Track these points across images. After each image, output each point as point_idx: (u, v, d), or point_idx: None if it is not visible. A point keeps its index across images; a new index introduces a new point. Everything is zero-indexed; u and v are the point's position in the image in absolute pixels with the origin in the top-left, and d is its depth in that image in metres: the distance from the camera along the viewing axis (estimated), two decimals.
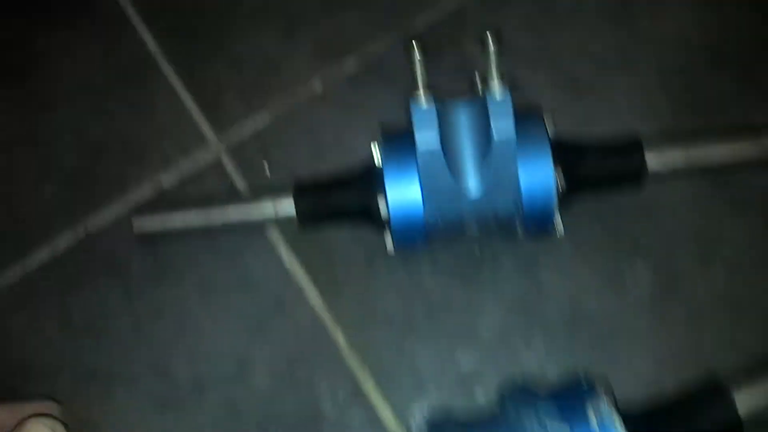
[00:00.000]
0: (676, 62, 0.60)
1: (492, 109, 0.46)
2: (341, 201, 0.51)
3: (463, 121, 0.48)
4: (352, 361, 0.51)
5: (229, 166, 0.59)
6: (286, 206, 0.51)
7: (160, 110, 0.61)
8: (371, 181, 0.49)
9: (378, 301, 0.53)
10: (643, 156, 0.50)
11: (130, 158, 0.59)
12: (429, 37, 0.62)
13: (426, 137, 0.47)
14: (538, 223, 0.48)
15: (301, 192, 0.52)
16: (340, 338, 0.52)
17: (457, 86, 0.58)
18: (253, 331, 0.53)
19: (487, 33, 0.47)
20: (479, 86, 0.51)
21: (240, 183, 0.58)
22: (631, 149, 0.50)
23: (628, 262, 0.52)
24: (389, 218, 0.48)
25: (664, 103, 0.58)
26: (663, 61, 0.60)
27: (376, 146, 0.50)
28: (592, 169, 0.50)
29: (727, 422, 0.41)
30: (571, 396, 0.41)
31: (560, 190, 0.47)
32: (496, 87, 0.47)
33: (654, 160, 0.50)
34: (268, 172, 0.58)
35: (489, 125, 0.46)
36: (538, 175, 0.46)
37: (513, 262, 0.53)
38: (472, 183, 0.47)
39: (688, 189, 0.54)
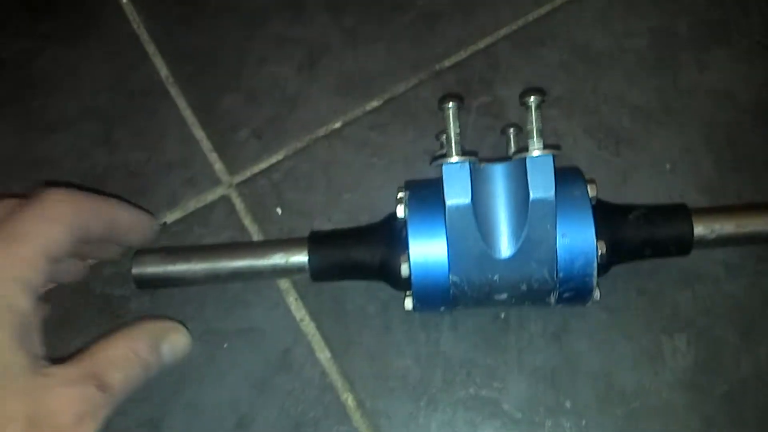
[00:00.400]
0: (721, 117, 0.56)
1: (530, 166, 0.42)
2: (358, 256, 0.47)
3: (498, 179, 0.45)
4: (362, 429, 0.47)
5: (239, 204, 0.55)
6: (299, 260, 0.47)
7: (169, 141, 0.57)
8: (392, 235, 0.46)
9: (392, 362, 0.49)
10: (690, 223, 0.46)
11: (134, 190, 0.55)
12: (458, 76, 0.59)
13: (456, 191, 0.43)
14: (574, 291, 0.44)
15: (317, 246, 0.48)
16: (349, 401, 0.48)
17: (485, 131, 0.56)
18: (257, 386, 0.49)
19: (531, 94, 0.44)
20: (513, 143, 0.48)
21: (249, 223, 0.54)
22: (678, 215, 0.46)
23: (667, 333, 0.49)
24: (411, 277, 0.44)
25: (706, 160, 0.55)
26: (707, 116, 0.56)
27: (402, 196, 0.46)
28: (637, 236, 0.46)
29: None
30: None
31: (601, 257, 0.43)
32: (536, 144, 0.43)
33: (701, 228, 0.46)
34: (280, 213, 0.54)
35: (526, 184, 0.42)
36: (578, 240, 0.43)
37: (541, 328, 0.49)
38: (504, 245, 0.44)
39: (732, 259, 0.51)
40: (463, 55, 0.60)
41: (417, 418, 0.47)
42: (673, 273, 0.51)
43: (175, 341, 0.42)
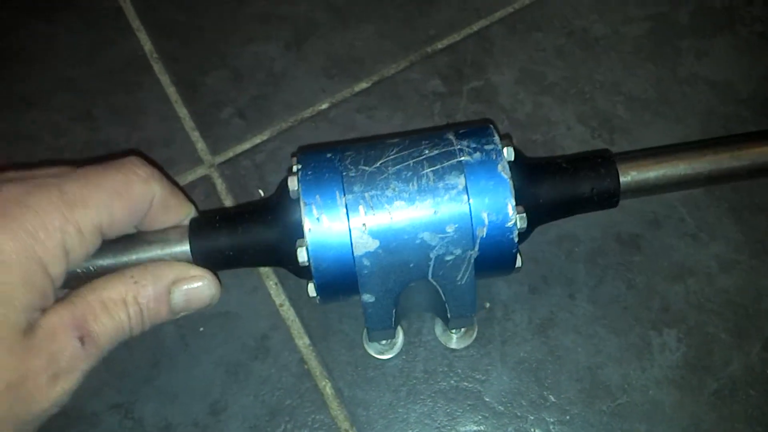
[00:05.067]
0: (720, 108, 0.55)
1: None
2: (248, 240, 0.41)
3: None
4: (339, 418, 0.46)
5: (220, 185, 0.53)
6: (180, 250, 0.41)
7: (150, 119, 0.56)
8: (287, 214, 0.41)
9: None
10: (617, 174, 0.43)
11: None
12: (449, 59, 0.57)
13: None
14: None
15: (199, 231, 0.42)
16: (327, 389, 0.47)
17: (475, 117, 0.54)
18: (232, 372, 0.47)
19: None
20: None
21: (230, 205, 0.53)
22: (603, 166, 0.43)
23: (656, 328, 0.47)
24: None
25: None
26: (705, 106, 0.55)
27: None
28: (559, 195, 0.43)
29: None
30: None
31: (521, 228, 0.40)
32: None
33: (628, 176, 0.43)
34: (262, 195, 0.53)
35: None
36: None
37: (526, 320, 0.47)
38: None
39: (726, 255, 0.49)
40: (456, 37, 0.58)
41: (396, 409, 0.46)
42: (665, 267, 0.49)
43: (191, 289, 0.40)
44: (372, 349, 0.47)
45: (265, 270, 0.50)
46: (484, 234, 0.39)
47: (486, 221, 0.39)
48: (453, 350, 0.47)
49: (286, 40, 0.59)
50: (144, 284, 0.38)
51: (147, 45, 0.59)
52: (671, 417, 0.45)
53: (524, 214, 0.39)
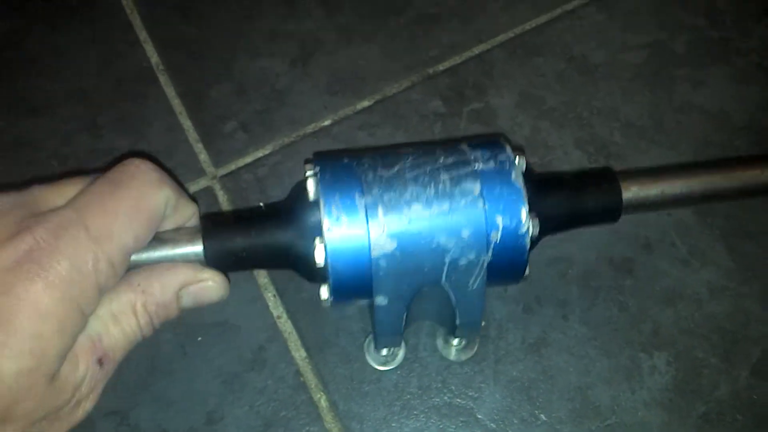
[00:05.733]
0: (715, 137, 0.56)
1: None
2: (264, 242, 0.41)
3: None
4: (334, 431, 0.46)
5: (222, 196, 0.54)
6: (192, 251, 0.41)
7: (155, 129, 0.57)
8: (303, 216, 0.41)
9: (368, 366, 0.48)
10: (619, 190, 0.45)
11: None
12: (451, 81, 0.58)
13: None
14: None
15: (212, 232, 0.41)
16: (322, 402, 0.47)
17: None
18: (228, 382, 0.48)
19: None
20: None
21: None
22: (606, 181, 0.45)
23: (647, 351, 0.48)
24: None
25: None
26: (700, 134, 0.56)
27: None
28: (569, 208, 0.44)
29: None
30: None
31: (533, 236, 0.41)
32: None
33: (630, 193, 0.45)
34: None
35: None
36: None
37: (520, 339, 0.48)
38: None
39: (717, 280, 0.50)
40: (457, 60, 0.60)
41: (390, 423, 0.46)
42: (656, 292, 0.50)
43: (199, 290, 0.40)
44: (373, 360, 0.48)
45: (263, 282, 0.51)
46: (498, 239, 0.39)
47: (500, 226, 0.39)
48: (448, 367, 0.48)
49: (291, 56, 0.60)
50: (152, 292, 0.38)
51: (154, 57, 0.60)
52: None
53: (537, 221, 0.40)
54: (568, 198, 0.44)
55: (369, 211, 0.39)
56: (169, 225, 0.41)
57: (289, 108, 0.58)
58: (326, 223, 0.39)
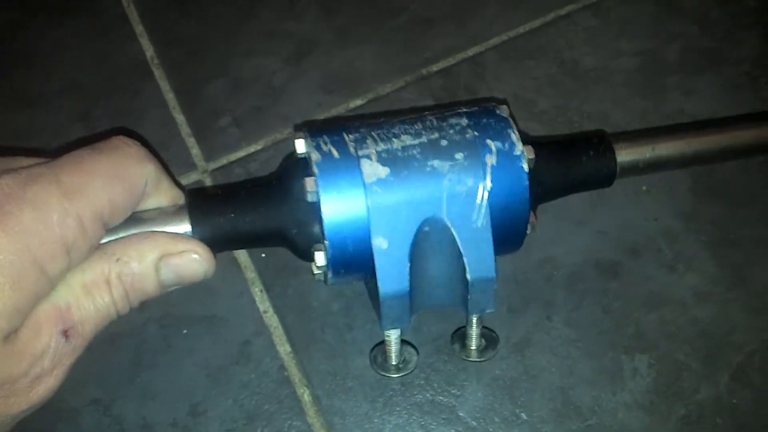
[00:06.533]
0: None
1: None
2: (256, 223, 0.40)
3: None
4: (316, 425, 0.47)
5: None
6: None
7: (148, 123, 0.57)
8: (296, 195, 0.40)
9: (352, 361, 0.48)
10: (614, 155, 0.46)
11: None
12: (444, 82, 0.59)
13: None
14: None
15: (201, 213, 0.39)
16: (305, 396, 0.48)
17: None
18: (213, 375, 0.48)
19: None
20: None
21: None
22: (601, 147, 0.46)
23: (629, 353, 0.48)
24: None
25: (683, 185, 0.55)
26: None
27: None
28: (565, 176, 0.45)
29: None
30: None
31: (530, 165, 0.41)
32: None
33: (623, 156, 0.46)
34: None
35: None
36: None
37: (503, 339, 0.48)
38: None
39: (702, 286, 0.50)
40: (450, 61, 0.60)
41: (372, 419, 0.47)
42: (641, 296, 0.50)
43: (181, 264, 0.37)
44: (382, 369, 0.45)
45: (251, 276, 0.51)
46: (494, 162, 0.39)
47: (494, 149, 0.39)
48: (431, 364, 0.48)
49: (287, 55, 0.60)
50: (126, 261, 0.35)
51: (149, 51, 0.60)
52: None
53: (531, 147, 0.40)
54: (562, 161, 0.44)
55: (358, 144, 0.39)
56: (151, 206, 0.39)
57: (283, 105, 0.58)
58: (315, 155, 0.38)
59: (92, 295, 0.34)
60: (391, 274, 0.39)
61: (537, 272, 0.51)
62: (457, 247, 0.39)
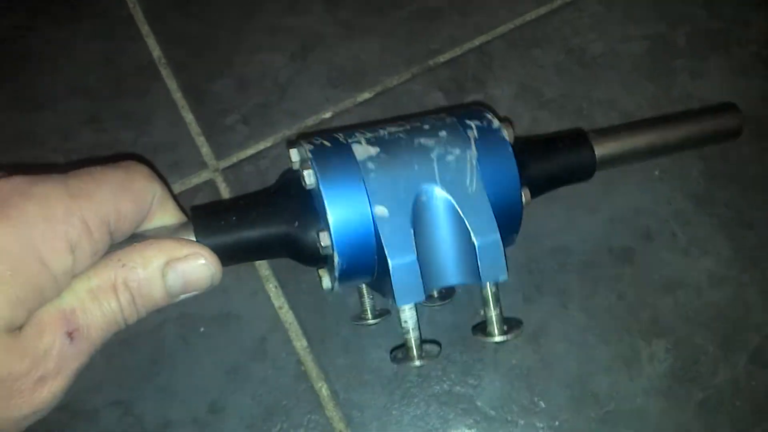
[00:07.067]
0: None
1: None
2: (261, 235, 0.41)
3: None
4: (335, 419, 0.47)
5: (224, 189, 0.54)
6: None
7: (157, 123, 0.57)
8: (300, 203, 0.41)
9: (368, 354, 0.49)
10: (592, 149, 0.47)
11: None
12: (451, 73, 0.59)
13: None
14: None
15: (206, 230, 0.40)
16: (323, 391, 0.48)
17: None
18: (230, 372, 0.48)
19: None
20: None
21: None
22: (579, 142, 0.47)
23: (646, 338, 0.48)
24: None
25: (696, 169, 0.54)
26: None
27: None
28: (550, 172, 0.46)
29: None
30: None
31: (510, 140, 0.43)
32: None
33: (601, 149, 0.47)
34: None
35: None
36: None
37: None
38: None
39: (717, 269, 0.50)
40: (457, 51, 0.60)
41: (390, 411, 0.47)
42: (656, 280, 0.50)
43: (187, 270, 0.37)
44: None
45: (265, 273, 0.51)
46: (476, 135, 0.42)
47: (474, 126, 0.42)
48: (447, 355, 0.48)
49: (292, 50, 0.60)
50: (132, 266, 0.35)
51: (156, 51, 0.60)
52: (657, 426, 0.46)
53: (508, 123, 0.43)
54: (544, 154, 0.46)
55: (347, 135, 0.42)
56: (156, 226, 0.39)
57: (290, 101, 0.58)
58: (308, 147, 0.40)
59: (99, 301, 0.34)
60: (397, 243, 0.39)
61: (550, 261, 0.51)
62: (458, 213, 0.40)
